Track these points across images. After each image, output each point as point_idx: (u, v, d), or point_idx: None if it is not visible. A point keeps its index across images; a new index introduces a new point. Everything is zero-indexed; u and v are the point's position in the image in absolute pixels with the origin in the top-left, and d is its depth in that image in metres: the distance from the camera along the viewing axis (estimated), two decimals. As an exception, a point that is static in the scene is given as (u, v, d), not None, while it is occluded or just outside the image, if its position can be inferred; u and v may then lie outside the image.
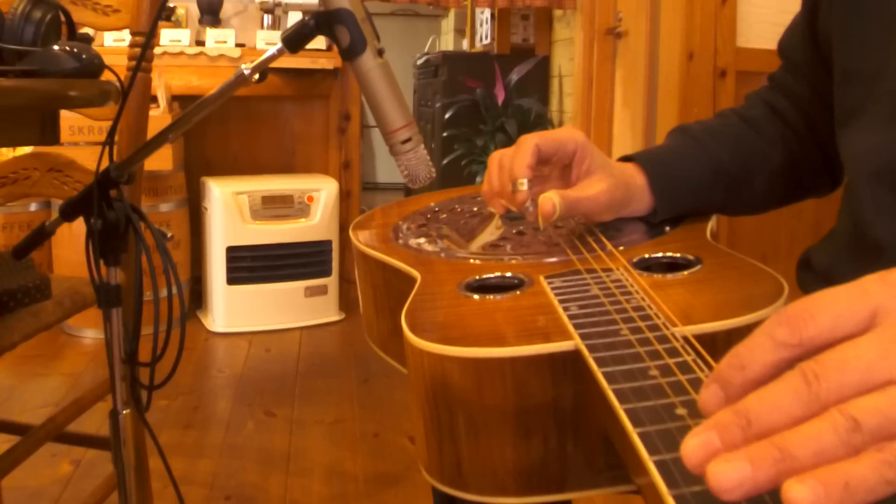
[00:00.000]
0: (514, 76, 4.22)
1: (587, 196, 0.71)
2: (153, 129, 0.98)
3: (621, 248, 0.67)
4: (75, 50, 0.98)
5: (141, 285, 1.03)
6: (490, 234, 0.77)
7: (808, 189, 0.83)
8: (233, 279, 2.87)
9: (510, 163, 0.71)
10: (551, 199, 0.68)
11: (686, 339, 0.47)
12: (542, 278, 0.61)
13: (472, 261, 0.69)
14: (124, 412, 0.91)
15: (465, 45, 5.43)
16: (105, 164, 0.83)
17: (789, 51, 0.82)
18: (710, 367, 0.43)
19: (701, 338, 0.48)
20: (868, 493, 0.29)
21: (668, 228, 0.74)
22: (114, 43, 2.86)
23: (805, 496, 0.28)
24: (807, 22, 0.76)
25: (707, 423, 0.33)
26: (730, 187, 0.78)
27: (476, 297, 0.59)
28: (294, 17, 3.09)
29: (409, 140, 0.75)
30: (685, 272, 0.60)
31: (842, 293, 0.34)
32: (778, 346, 0.34)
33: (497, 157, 0.74)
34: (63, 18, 1.03)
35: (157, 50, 2.80)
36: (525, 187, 0.69)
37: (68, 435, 1.46)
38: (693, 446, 0.32)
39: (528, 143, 0.70)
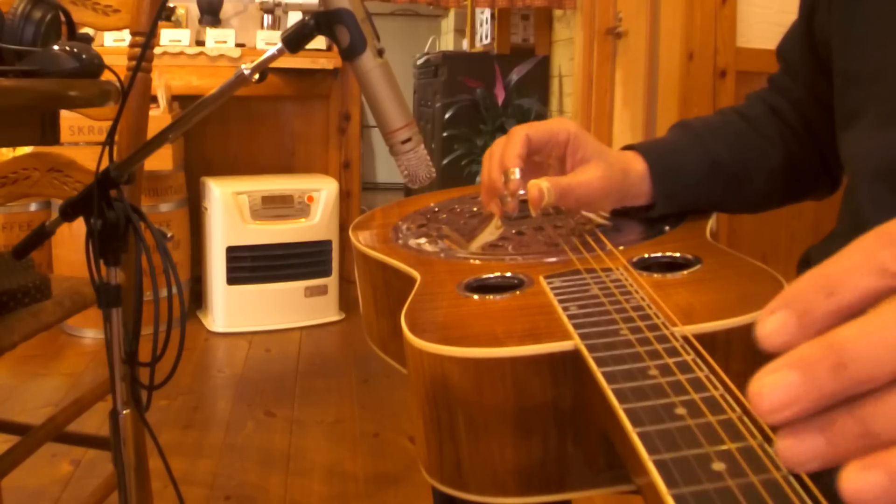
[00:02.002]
0: (514, 76, 4.22)
1: (579, 181, 0.70)
2: (153, 129, 0.98)
3: (621, 247, 0.67)
4: (75, 50, 0.98)
5: (141, 285, 1.03)
6: (490, 234, 0.77)
7: (807, 190, 0.83)
8: (233, 279, 2.87)
9: (501, 153, 0.71)
10: (538, 185, 0.67)
11: (686, 338, 0.47)
12: (541, 278, 0.61)
13: (471, 261, 0.69)
14: (124, 412, 0.91)
15: (465, 45, 5.43)
16: (105, 164, 0.83)
17: (788, 54, 0.82)
18: (710, 367, 0.43)
19: (701, 337, 0.48)
20: None
21: (667, 228, 0.74)
22: (114, 43, 2.86)
23: (861, 486, 0.23)
24: (805, 25, 0.76)
25: (788, 357, 0.25)
26: (728, 183, 0.78)
27: (476, 297, 0.59)
28: (294, 17, 3.09)
29: (409, 140, 0.75)
30: (685, 272, 0.60)
31: None
32: (882, 271, 0.26)
33: (489, 151, 0.74)
34: (63, 18, 1.03)
35: (157, 50, 2.81)
36: (516, 176, 0.68)
37: (68, 435, 1.46)
38: (769, 386, 0.25)
39: (519, 134, 0.70)
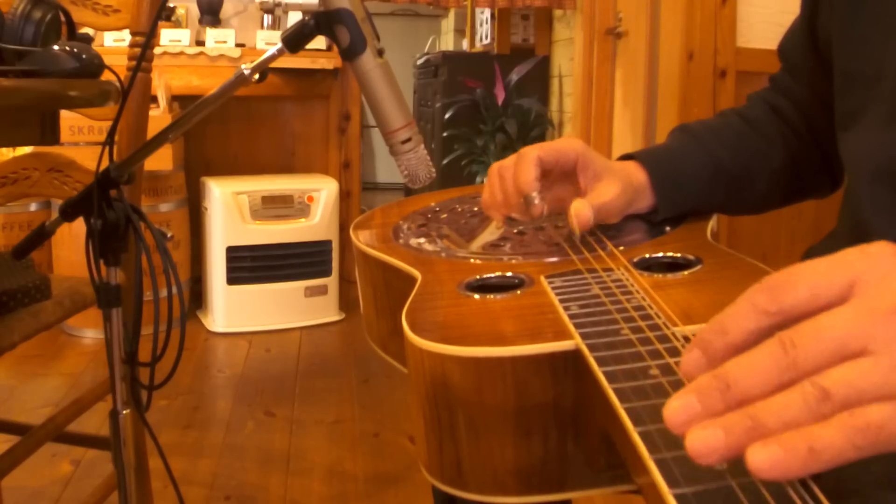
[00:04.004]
0: (514, 76, 4.22)
1: (605, 201, 0.71)
2: (153, 129, 0.98)
3: (622, 247, 0.67)
4: (75, 50, 0.98)
5: (141, 285, 1.03)
6: (490, 233, 0.77)
7: (809, 190, 0.83)
8: (233, 279, 2.86)
9: (515, 177, 0.71)
10: (587, 209, 0.69)
11: (686, 338, 0.47)
12: (542, 278, 0.61)
13: (472, 260, 0.69)
14: (124, 412, 0.91)
15: (465, 45, 5.43)
16: (105, 164, 0.83)
17: (789, 53, 0.82)
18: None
19: (701, 337, 0.48)
20: (836, 457, 0.31)
21: (668, 228, 0.74)
22: (114, 43, 2.86)
23: (763, 458, 0.30)
24: (807, 24, 0.76)
25: (688, 387, 0.34)
26: (730, 186, 0.78)
27: (476, 296, 0.59)
28: (294, 17, 3.09)
29: (409, 140, 0.75)
30: (685, 272, 0.60)
31: (822, 264, 0.36)
32: (759, 313, 0.35)
33: (497, 169, 0.74)
34: (63, 18, 1.03)
35: (157, 50, 2.81)
36: (538, 200, 0.70)
37: (68, 435, 1.46)
38: (674, 408, 0.34)
39: (531, 156, 0.70)
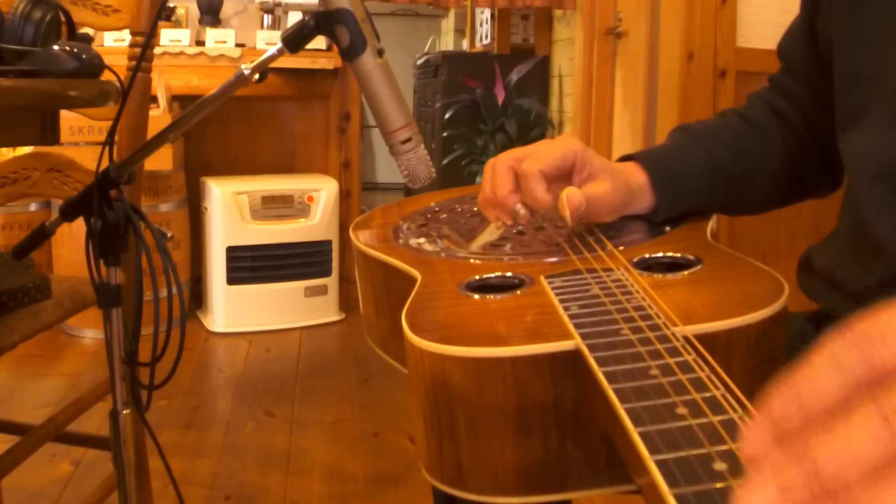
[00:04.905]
0: (514, 76, 4.22)
1: (591, 195, 0.71)
2: (153, 129, 0.98)
3: (622, 247, 0.67)
4: (75, 50, 0.98)
5: (141, 285, 1.03)
6: (490, 233, 0.77)
7: (809, 189, 0.83)
8: (233, 279, 2.86)
9: (527, 199, 0.70)
10: (578, 194, 0.68)
11: (686, 338, 0.47)
12: (542, 278, 0.61)
13: (472, 260, 0.69)
14: (124, 412, 0.91)
15: (465, 45, 5.43)
16: (105, 164, 0.83)
17: (789, 53, 0.82)
18: (710, 367, 0.43)
19: (701, 337, 0.48)
20: None
21: (668, 228, 0.74)
22: (114, 43, 2.86)
23: None
24: (806, 24, 0.76)
25: (765, 474, 0.26)
26: (731, 187, 0.78)
27: (476, 296, 0.59)
28: (294, 17, 3.09)
29: (409, 140, 0.75)
30: (685, 272, 0.60)
31: None
32: (845, 374, 0.26)
33: (492, 166, 0.74)
34: (63, 18, 1.03)
35: (157, 50, 2.80)
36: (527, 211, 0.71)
37: (68, 435, 1.46)
38: None
39: (534, 172, 0.70)
